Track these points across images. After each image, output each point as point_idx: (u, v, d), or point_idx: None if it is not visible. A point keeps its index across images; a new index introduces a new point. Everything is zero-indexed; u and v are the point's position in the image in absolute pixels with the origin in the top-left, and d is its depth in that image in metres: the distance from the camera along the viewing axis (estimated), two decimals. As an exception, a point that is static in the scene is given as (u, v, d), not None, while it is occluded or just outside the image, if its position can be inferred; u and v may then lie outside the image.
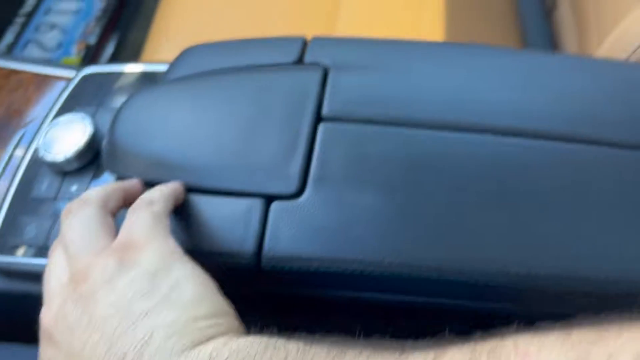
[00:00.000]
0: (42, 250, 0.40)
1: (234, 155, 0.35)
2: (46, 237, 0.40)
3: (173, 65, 0.43)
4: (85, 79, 0.50)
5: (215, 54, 0.43)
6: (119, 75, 0.49)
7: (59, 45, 1.01)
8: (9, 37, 1.02)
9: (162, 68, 0.48)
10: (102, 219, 0.30)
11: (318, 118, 0.37)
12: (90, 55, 1.00)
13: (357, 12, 0.75)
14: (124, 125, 0.38)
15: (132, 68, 0.50)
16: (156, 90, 0.40)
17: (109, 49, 1.02)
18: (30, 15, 1.05)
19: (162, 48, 0.76)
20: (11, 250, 0.40)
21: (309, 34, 0.43)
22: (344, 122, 0.36)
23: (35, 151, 0.44)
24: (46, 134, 0.43)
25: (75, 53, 1.00)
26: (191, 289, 0.27)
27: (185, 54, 0.44)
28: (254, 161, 0.35)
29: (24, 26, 1.04)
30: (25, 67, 0.54)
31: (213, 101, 0.38)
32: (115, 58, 1.02)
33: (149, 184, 0.35)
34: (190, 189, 0.35)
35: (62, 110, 0.48)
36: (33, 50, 1.01)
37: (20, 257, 0.40)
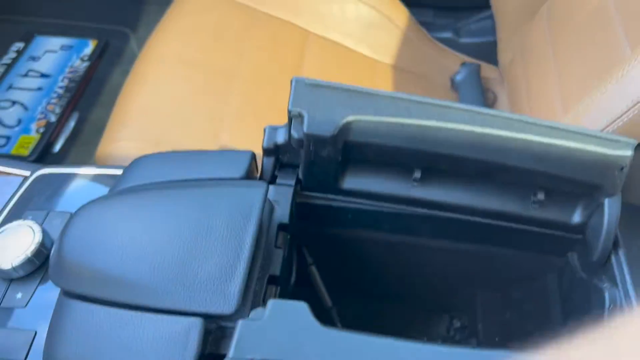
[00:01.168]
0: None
1: (175, 274, 0.36)
2: (-13, 345, 0.40)
3: (124, 174, 0.45)
4: (39, 179, 0.51)
5: (165, 165, 0.45)
6: (72, 177, 0.51)
7: (19, 122, 1.02)
8: (-32, 112, 1.03)
9: (115, 171, 0.50)
10: None
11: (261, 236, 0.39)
12: (50, 133, 1.00)
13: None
14: (72, 238, 0.39)
15: (85, 170, 0.51)
16: (105, 203, 0.41)
17: (70, 126, 1.03)
18: (-10, 91, 1.06)
19: (122, 134, 0.78)
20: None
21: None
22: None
23: (-18, 257, 0.45)
24: (-6, 240, 0.44)
25: (34, 130, 1.01)
26: None
27: (136, 164, 0.46)
28: (195, 280, 0.36)
29: (-16, 102, 1.05)
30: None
31: (159, 216, 0.39)
32: (75, 136, 1.02)
33: None
34: (131, 307, 0.36)
35: (14, 212, 0.48)
36: (-8, 127, 1.02)
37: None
